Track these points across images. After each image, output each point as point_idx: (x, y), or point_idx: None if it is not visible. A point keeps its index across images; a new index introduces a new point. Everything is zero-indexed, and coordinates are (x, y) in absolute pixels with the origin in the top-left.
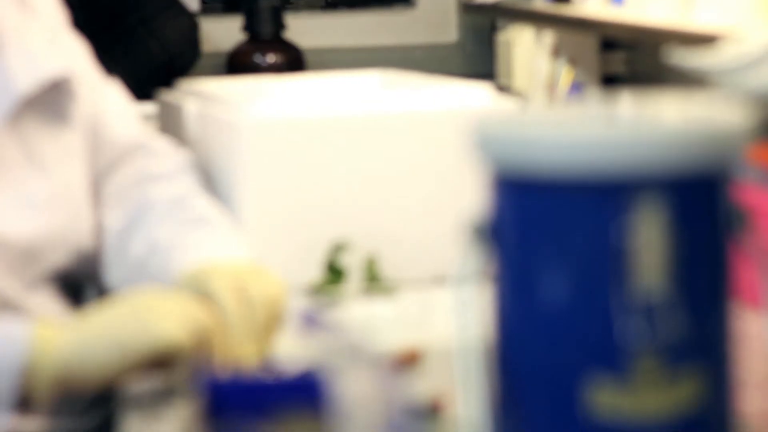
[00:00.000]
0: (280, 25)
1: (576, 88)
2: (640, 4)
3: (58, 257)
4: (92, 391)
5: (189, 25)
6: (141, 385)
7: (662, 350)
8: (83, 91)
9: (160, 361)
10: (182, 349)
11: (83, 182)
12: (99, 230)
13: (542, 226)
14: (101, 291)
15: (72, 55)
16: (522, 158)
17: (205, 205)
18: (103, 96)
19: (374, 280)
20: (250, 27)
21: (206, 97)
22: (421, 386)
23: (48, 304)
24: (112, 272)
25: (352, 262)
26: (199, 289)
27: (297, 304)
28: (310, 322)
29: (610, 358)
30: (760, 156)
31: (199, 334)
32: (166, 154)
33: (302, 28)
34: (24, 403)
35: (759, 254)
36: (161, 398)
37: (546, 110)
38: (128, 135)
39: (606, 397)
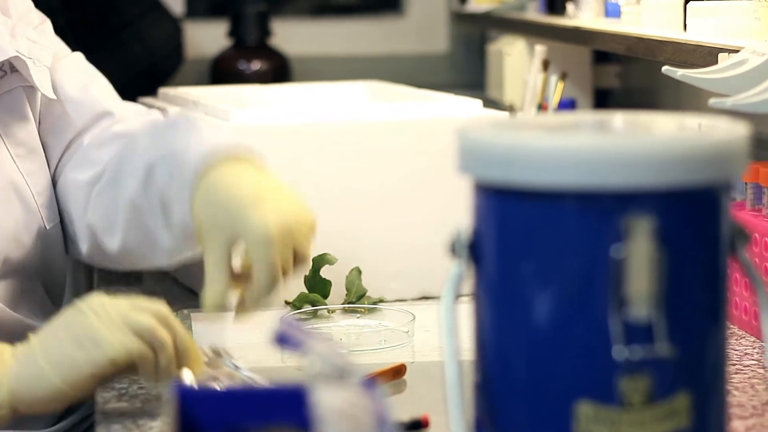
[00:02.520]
0: (266, 32)
1: (568, 100)
2: (635, 17)
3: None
4: (49, 412)
5: (173, 30)
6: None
7: (651, 370)
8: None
9: (117, 372)
10: (130, 356)
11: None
12: (64, 191)
13: (527, 240)
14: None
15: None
16: (507, 170)
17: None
18: (64, 68)
19: (357, 295)
20: (235, 32)
21: (189, 103)
22: (406, 402)
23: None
24: (90, 223)
25: (334, 277)
26: (236, 218)
27: (278, 317)
28: (290, 336)
29: (597, 377)
30: (753, 173)
31: (148, 336)
32: (134, 115)
33: (289, 35)
34: None
35: (752, 272)
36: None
37: (534, 121)
38: (91, 104)
39: (592, 417)
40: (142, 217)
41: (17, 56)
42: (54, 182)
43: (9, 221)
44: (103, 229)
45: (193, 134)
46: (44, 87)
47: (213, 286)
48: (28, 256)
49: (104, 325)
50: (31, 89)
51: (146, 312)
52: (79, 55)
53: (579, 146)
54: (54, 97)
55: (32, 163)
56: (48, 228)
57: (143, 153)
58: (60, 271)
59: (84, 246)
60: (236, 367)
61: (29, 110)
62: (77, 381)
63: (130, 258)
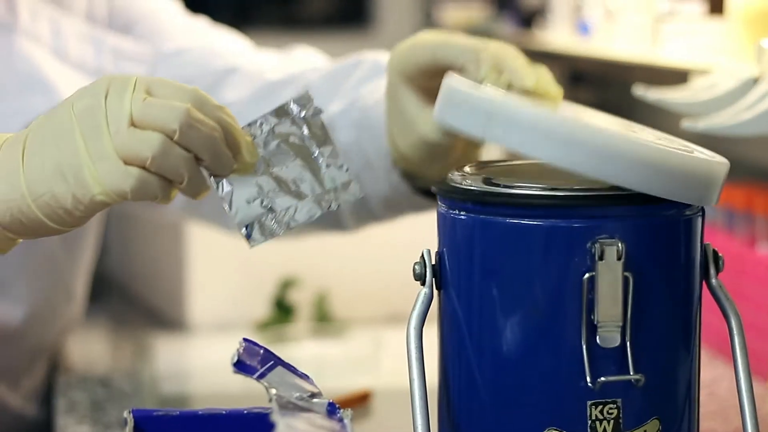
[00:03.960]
0: None
1: None
2: (607, 35)
3: None
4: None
5: None
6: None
7: (620, 397)
8: None
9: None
10: (122, 196)
11: None
12: None
13: (494, 264)
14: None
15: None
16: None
17: None
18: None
19: (324, 319)
20: None
21: None
22: (371, 429)
23: None
24: None
25: (301, 300)
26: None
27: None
28: (251, 361)
29: (565, 404)
30: (724, 196)
31: (155, 166)
32: (274, 61)
33: (259, 45)
34: None
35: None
36: None
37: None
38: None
39: None
40: None
41: None
42: None
43: None
44: None
45: (380, 79)
46: None
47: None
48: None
49: (91, 154)
50: None
51: (157, 120)
52: (197, 21)
53: (571, 127)
54: None
55: None
56: None
57: (322, 104)
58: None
59: None
60: None
61: None
62: (61, 217)
63: (306, 227)
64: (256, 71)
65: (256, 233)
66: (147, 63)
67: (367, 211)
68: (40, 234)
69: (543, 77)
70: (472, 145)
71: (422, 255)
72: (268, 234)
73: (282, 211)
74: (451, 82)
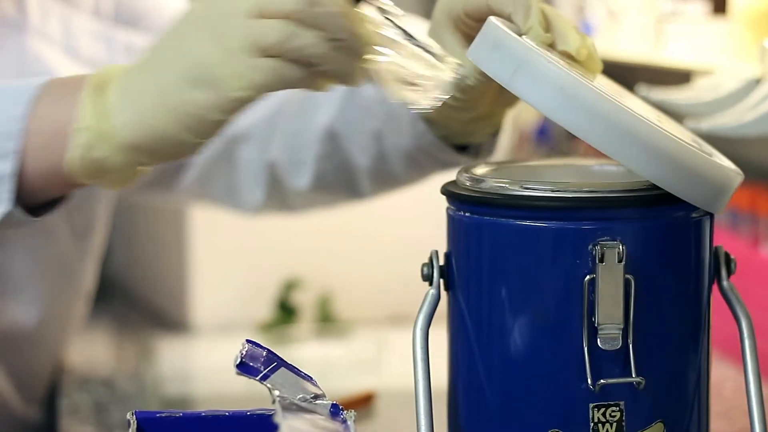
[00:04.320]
0: None
1: (544, 124)
2: (610, 35)
3: None
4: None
5: None
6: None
7: (624, 400)
8: None
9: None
10: (262, 89)
11: None
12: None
13: (500, 265)
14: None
15: None
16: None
17: None
18: None
19: (327, 320)
20: None
21: None
22: (375, 429)
23: None
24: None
25: (304, 301)
26: None
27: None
28: (254, 362)
29: (569, 406)
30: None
31: (292, 52)
32: None
33: None
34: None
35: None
36: None
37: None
38: None
39: None
40: (341, 145)
41: None
42: None
43: None
44: (288, 166)
45: None
46: None
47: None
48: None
49: (219, 53)
50: None
51: (276, 4)
52: None
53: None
54: None
55: None
56: None
57: None
58: None
59: (258, 193)
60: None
61: None
62: (199, 128)
63: (321, 196)
64: None
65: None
66: None
67: (388, 172)
68: (168, 150)
69: (587, 47)
70: (500, 103)
71: (430, 256)
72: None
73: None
74: (493, 22)
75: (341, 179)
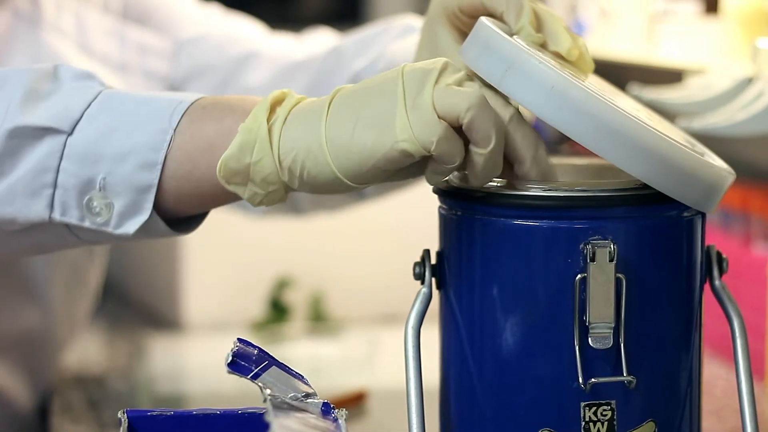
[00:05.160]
0: None
1: (537, 123)
2: (602, 34)
3: None
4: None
5: None
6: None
7: (615, 400)
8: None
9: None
10: (428, 149)
11: None
12: None
13: (492, 264)
14: None
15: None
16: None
17: None
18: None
19: (319, 319)
20: None
21: None
22: (367, 429)
23: None
24: None
25: (296, 299)
26: None
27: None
28: (245, 361)
29: (560, 406)
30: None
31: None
32: (296, 45)
33: None
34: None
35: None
36: None
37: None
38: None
39: None
40: None
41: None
42: None
43: None
44: None
45: (410, 37)
46: None
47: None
48: None
49: (408, 105)
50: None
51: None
52: (210, 8)
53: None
54: None
55: None
56: None
57: (348, 63)
58: None
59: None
60: None
61: None
62: (352, 166)
63: (329, 199)
64: (276, 54)
65: None
66: (169, 58)
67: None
68: (317, 183)
69: (579, 47)
70: None
71: (422, 255)
72: None
73: None
74: (485, 21)
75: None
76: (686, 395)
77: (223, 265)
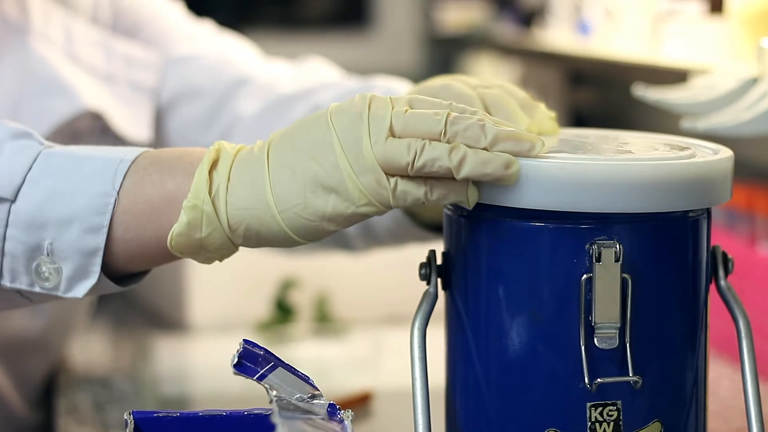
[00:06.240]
0: None
1: None
2: (607, 35)
3: None
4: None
5: None
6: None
7: (620, 400)
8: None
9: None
10: (384, 209)
11: None
12: None
13: (498, 263)
14: None
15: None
16: (483, 193)
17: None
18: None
19: (325, 319)
20: None
21: None
22: (372, 429)
23: None
24: None
25: (301, 300)
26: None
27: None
28: (251, 362)
29: (566, 406)
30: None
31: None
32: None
33: (257, 45)
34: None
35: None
36: None
37: None
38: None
39: None
40: None
41: (96, 110)
42: None
43: None
44: None
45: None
46: (137, 127)
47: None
48: None
49: (353, 167)
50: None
51: (419, 127)
52: (203, 25)
53: (553, 169)
54: (146, 136)
55: None
56: None
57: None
58: None
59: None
60: None
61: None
62: (308, 230)
63: (317, 247)
64: (268, 83)
65: None
66: (157, 70)
67: (374, 238)
68: (270, 244)
69: (538, 116)
70: None
71: (428, 255)
72: None
73: None
74: None
75: (335, 237)
76: (692, 395)
77: (229, 266)
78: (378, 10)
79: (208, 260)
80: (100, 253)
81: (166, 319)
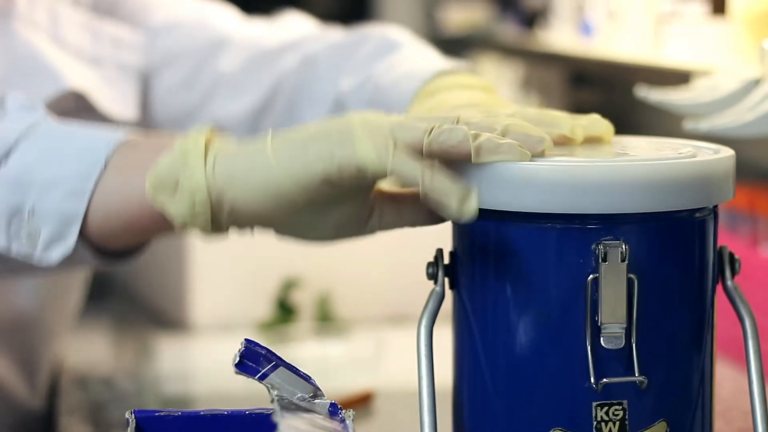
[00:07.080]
0: None
1: None
2: (609, 36)
3: None
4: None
5: None
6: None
7: (626, 400)
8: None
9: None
10: (380, 170)
11: None
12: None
13: (504, 263)
14: None
15: None
16: (486, 192)
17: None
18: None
19: (326, 319)
20: None
21: None
22: (373, 428)
23: None
24: None
25: (303, 300)
26: None
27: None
28: (253, 362)
29: (571, 405)
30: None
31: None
32: (269, 33)
33: None
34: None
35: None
36: None
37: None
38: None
39: None
40: None
41: (80, 90)
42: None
43: None
44: None
45: (392, 56)
46: (123, 107)
47: None
48: None
49: (365, 127)
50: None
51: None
52: None
53: (558, 170)
54: (132, 116)
55: None
56: None
57: (328, 81)
58: None
59: None
60: None
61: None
62: (309, 183)
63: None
64: (249, 40)
65: None
66: (143, 50)
67: None
68: (252, 200)
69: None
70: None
71: (436, 254)
72: None
73: None
74: None
75: None
76: (698, 395)
77: (230, 266)
78: (380, 11)
79: (179, 214)
80: (80, 218)
81: (168, 318)
